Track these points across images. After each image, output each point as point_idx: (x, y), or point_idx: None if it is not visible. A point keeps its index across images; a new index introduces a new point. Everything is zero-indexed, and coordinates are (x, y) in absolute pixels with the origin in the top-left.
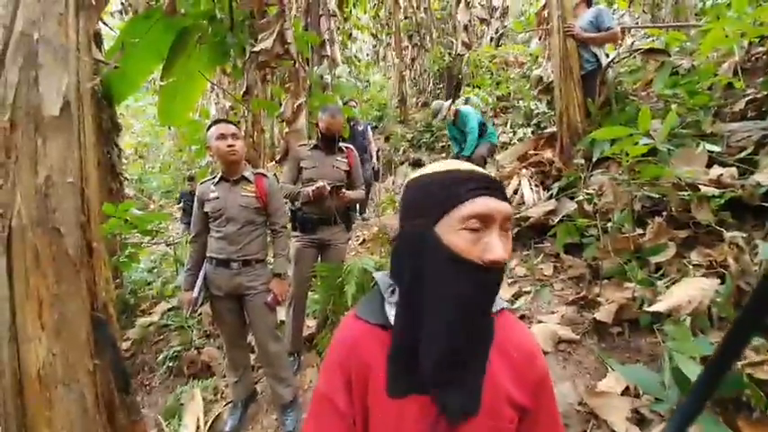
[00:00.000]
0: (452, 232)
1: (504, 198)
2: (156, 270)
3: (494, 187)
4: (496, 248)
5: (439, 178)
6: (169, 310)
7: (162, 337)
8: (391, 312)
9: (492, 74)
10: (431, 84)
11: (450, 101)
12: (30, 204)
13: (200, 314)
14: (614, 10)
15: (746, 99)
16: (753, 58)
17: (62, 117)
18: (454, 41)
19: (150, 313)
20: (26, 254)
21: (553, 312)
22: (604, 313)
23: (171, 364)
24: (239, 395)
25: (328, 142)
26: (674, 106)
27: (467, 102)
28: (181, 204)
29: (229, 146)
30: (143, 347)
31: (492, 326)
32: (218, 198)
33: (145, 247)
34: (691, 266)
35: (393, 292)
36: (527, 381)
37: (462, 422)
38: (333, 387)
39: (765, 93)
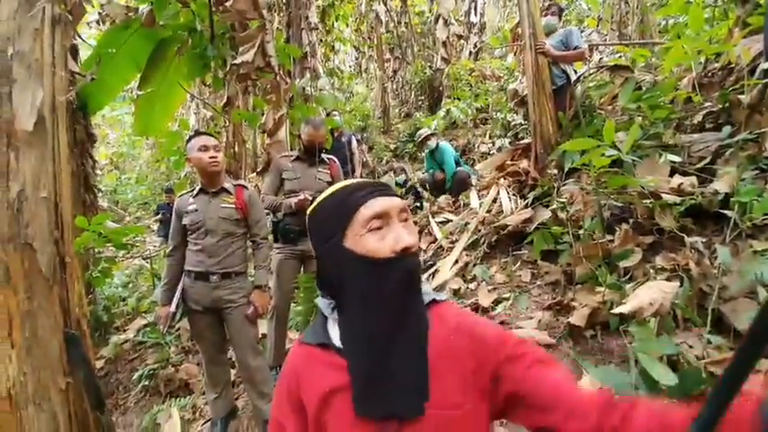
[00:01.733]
0: (359, 239)
1: (393, 194)
2: (131, 285)
3: (380, 187)
4: (404, 236)
5: (331, 198)
6: (145, 326)
7: (137, 354)
8: (332, 330)
9: (471, 86)
10: (413, 95)
11: (431, 133)
12: (1, 219)
13: (178, 330)
14: (584, 28)
15: (704, 112)
16: (710, 73)
17: (36, 131)
18: (435, 55)
19: (125, 330)
20: None
21: (531, 318)
22: (578, 317)
23: (147, 383)
24: (219, 413)
25: (310, 154)
26: (638, 119)
27: (447, 113)
28: (159, 216)
29: (211, 157)
30: (117, 366)
31: (425, 318)
32: (197, 210)
33: (120, 261)
34: (655, 270)
35: (334, 308)
36: (482, 360)
37: (411, 422)
38: (283, 412)
39: (721, 106)
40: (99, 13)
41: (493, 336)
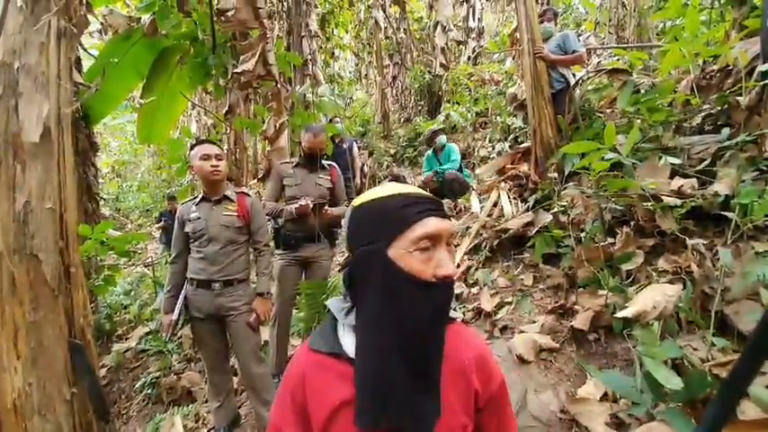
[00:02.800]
0: (406, 254)
1: (446, 216)
2: (133, 293)
3: (438, 208)
4: (447, 265)
5: (388, 202)
6: (147, 334)
7: (139, 362)
8: (345, 338)
9: (470, 91)
10: (412, 100)
11: (439, 128)
12: (7, 231)
13: (181, 337)
14: (581, 31)
15: (703, 114)
16: (708, 75)
17: (42, 143)
18: (434, 60)
19: (127, 338)
20: (2, 280)
21: (534, 322)
22: (581, 321)
23: (149, 391)
24: (222, 421)
25: (311, 160)
26: (637, 122)
27: (447, 118)
28: (161, 223)
29: (213, 166)
30: (120, 374)
31: (443, 341)
32: (199, 218)
33: (122, 268)
34: (658, 273)
35: (348, 313)
36: (481, 382)
37: None
38: (284, 419)
39: (720, 108)
40: (101, 23)
41: (497, 372)
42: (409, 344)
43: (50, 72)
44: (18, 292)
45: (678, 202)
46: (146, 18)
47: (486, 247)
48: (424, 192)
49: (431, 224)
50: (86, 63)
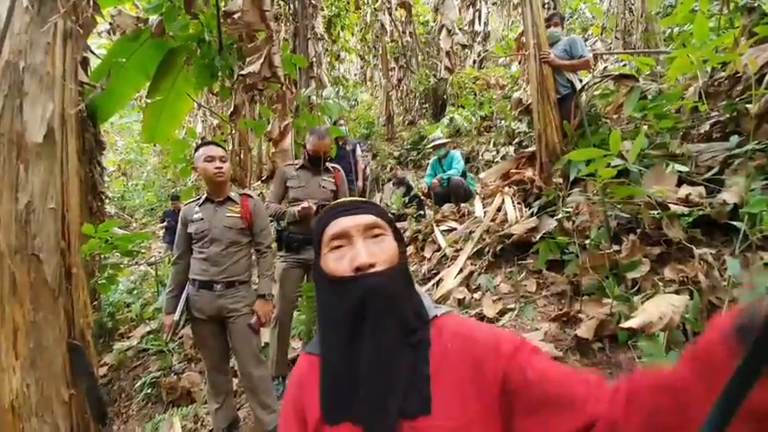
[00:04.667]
0: (324, 258)
1: (366, 212)
2: (135, 291)
3: (350, 207)
4: (359, 254)
5: (317, 221)
6: (148, 333)
7: (140, 361)
8: None
9: (475, 95)
10: (417, 103)
11: (445, 142)
12: (9, 231)
13: (181, 337)
14: (588, 36)
15: (711, 121)
16: (716, 82)
17: (45, 143)
18: (439, 63)
19: (128, 337)
20: (3, 281)
21: (537, 329)
22: (585, 330)
23: (149, 391)
24: (221, 423)
25: (315, 162)
26: (644, 128)
27: (451, 121)
28: (165, 223)
29: (217, 168)
30: (120, 373)
31: (415, 335)
32: (202, 219)
33: (125, 267)
34: (664, 282)
35: None
36: (481, 367)
37: None
38: (287, 423)
39: (728, 115)
40: (110, 24)
41: (490, 339)
42: (354, 340)
43: (56, 73)
44: (19, 293)
45: (685, 210)
46: (153, 19)
47: (489, 252)
48: (353, 198)
49: (338, 224)
50: (94, 62)
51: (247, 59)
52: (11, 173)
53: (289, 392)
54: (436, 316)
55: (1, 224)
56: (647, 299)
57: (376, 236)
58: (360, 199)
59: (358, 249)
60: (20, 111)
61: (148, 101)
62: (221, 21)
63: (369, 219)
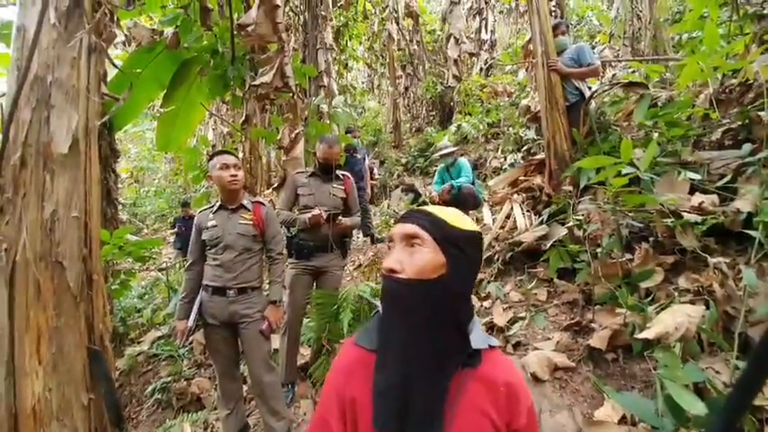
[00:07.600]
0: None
1: (413, 221)
2: (146, 296)
3: (406, 216)
4: (389, 259)
5: None
6: (159, 338)
7: (151, 367)
8: None
9: (482, 102)
10: (424, 111)
11: (452, 151)
12: (35, 238)
13: (192, 343)
14: (595, 43)
15: (722, 129)
16: (727, 89)
17: (70, 154)
18: (446, 71)
19: (139, 342)
20: (28, 287)
21: (548, 338)
22: (598, 340)
23: (159, 396)
24: (231, 429)
25: (325, 170)
26: (654, 136)
27: (458, 128)
28: (175, 229)
29: (232, 176)
30: (131, 378)
31: (452, 359)
32: (216, 226)
33: (136, 272)
34: (678, 292)
35: None
36: (511, 412)
37: None
38: (330, 412)
39: (740, 123)
40: (125, 35)
41: (527, 408)
42: (402, 346)
43: (80, 85)
44: (42, 298)
45: (698, 218)
46: (168, 31)
47: (498, 259)
48: (422, 207)
49: (394, 228)
50: (111, 72)
51: (260, 70)
52: (37, 182)
53: (335, 378)
54: (490, 346)
55: (28, 232)
56: (662, 309)
57: (412, 245)
58: (424, 209)
59: (391, 255)
60: (47, 123)
61: (162, 110)
62: (235, 33)
63: (411, 229)
